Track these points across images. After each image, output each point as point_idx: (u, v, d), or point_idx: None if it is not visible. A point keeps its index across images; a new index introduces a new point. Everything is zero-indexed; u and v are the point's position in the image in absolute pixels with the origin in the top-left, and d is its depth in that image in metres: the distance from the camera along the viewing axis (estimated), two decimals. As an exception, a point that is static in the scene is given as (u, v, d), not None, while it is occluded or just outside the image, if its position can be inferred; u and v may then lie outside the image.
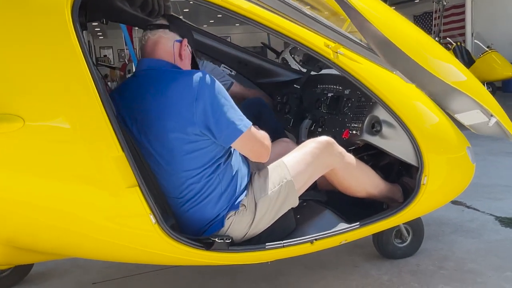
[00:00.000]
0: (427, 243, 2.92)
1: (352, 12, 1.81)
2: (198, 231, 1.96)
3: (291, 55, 9.18)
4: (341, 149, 2.25)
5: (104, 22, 2.56)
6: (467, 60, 11.21)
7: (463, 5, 13.63)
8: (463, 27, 13.58)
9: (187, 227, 1.96)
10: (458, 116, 2.14)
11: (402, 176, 2.58)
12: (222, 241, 1.86)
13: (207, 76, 1.85)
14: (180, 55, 2.00)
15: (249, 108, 2.41)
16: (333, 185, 2.36)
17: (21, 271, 2.63)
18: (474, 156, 2.65)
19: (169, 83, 1.84)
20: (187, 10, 13.52)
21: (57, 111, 1.60)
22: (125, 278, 2.73)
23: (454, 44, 11.68)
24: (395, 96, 2.21)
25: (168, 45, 1.97)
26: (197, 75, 1.83)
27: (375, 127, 2.30)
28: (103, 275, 2.75)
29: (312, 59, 4.85)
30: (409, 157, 2.29)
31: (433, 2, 12.31)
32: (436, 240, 3.02)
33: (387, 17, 1.87)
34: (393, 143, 2.30)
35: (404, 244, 2.75)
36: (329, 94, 2.69)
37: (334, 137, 2.48)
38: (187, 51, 2.04)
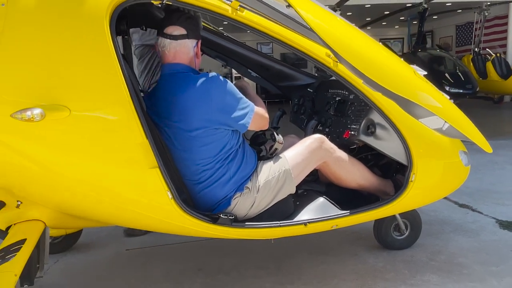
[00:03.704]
0: (426, 239, 3.20)
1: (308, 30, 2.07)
2: (209, 209, 2.33)
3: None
4: (332, 145, 2.58)
5: (144, 29, 2.96)
6: (506, 72, 11.18)
7: (506, 16, 13.54)
8: (505, 38, 13.48)
9: (200, 205, 2.33)
10: (421, 121, 2.40)
11: (397, 174, 2.86)
12: (226, 217, 2.21)
13: (219, 78, 2.23)
14: (197, 55, 2.35)
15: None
16: (327, 176, 2.67)
17: (70, 240, 3.16)
18: (469, 159, 2.88)
19: (189, 88, 2.20)
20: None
21: (96, 104, 1.98)
22: (155, 247, 3.24)
23: (493, 55, 11.66)
24: (389, 102, 2.49)
25: (189, 53, 2.31)
26: (211, 80, 2.21)
27: (370, 128, 2.60)
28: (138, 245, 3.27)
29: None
30: (399, 156, 2.58)
31: (475, 12, 12.28)
32: (435, 237, 3.28)
33: (343, 35, 2.13)
34: (386, 144, 2.59)
35: (402, 237, 3.04)
36: (337, 98, 2.99)
37: (338, 137, 2.80)
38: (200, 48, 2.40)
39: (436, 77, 10.48)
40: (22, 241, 2.08)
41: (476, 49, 12.13)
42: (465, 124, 2.30)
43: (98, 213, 2.25)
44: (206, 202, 2.33)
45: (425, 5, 11.09)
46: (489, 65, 11.45)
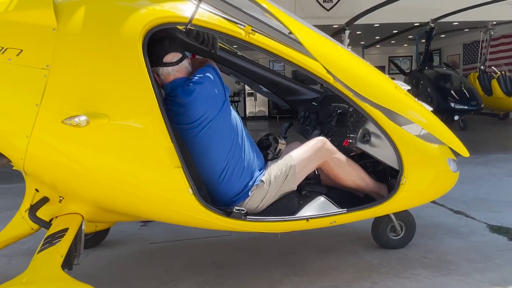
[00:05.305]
0: (420, 240, 3.51)
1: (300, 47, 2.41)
2: (229, 201, 2.66)
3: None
4: (333, 147, 2.94)
5: None
6: (510, 89, 11.49)
7: (512, 35, 13.90)
8: (511, 56, 13.79)
9: (222, 197, 2.67)
10: (404, 128, 2.74)
11: (391, 178, 3.20)
12: (238, 211, 2.56)
13: (208, 71, 2.61)
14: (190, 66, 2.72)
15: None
16: (327, 175, 3.02)
17: (99, 237, 3.54)
18: (457, 166, 3.21)
19: (193, 92, 2.55)
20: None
21: (131, 113, 2.34)
22: (175, 242, 3.64)
23: (499, 73, 11.98)
24: (382, 114, 2.83)
25: (188, 69, 2.67)
26: (205, 76, 2.58)
27: (366, 137, 2.95)
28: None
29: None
30: (391, 161, 2.92)
31: (481, 31, 12.63)
32: (429, 239, 3.59)
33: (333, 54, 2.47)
34: (379, 150, 2.94)
35: (397, 237, 3.36)
36: (339, 111, 3.35)
37: (338, 145, 3.15)
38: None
39: (442, 94, 10.83)
40: (65, 230, 2.44)
41: (482, 67, 12.47)
42: (441, 130, 2.63)
43: (129, 207, 2.60)
44: (227, 192, 2.66)
45: (432, 25, 11.47)
46: (494, 83, 11.78)
